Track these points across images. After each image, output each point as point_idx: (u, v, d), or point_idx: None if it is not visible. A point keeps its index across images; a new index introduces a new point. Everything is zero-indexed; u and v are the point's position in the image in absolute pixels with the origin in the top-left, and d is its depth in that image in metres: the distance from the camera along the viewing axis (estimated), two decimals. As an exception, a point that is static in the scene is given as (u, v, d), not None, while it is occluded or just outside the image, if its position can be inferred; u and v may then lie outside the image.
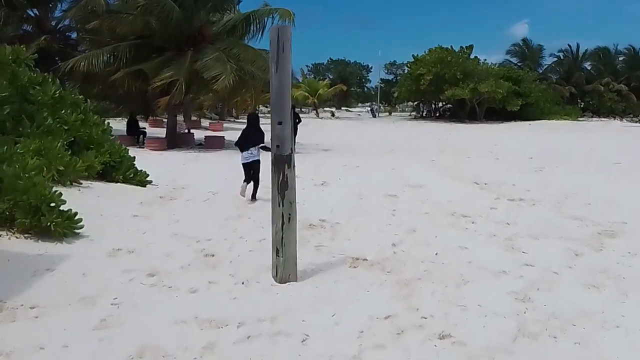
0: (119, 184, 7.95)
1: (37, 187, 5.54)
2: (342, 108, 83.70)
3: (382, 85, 76.62)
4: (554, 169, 14.98)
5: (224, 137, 21.26)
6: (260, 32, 19.39)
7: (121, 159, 8.12)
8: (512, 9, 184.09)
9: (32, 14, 20.98)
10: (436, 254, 5.87)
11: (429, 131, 34.48)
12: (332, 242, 6.28)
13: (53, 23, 21.49)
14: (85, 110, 8.12)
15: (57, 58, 20.75)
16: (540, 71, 58.76)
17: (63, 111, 7.63)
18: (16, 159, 6.06)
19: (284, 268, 4.96)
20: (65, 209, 5.72)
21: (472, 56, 50.43)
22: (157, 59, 18.12)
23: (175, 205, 7.53)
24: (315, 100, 59.96)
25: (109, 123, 8.67)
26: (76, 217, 5.73)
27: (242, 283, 4.89)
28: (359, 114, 73.38)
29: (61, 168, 6.83)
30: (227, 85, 16.76)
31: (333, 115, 62.45)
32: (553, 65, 61.04)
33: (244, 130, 9.15)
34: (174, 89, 17.08)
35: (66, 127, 7.46)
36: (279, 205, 4.97)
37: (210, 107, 44.13)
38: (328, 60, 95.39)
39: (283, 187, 5.00)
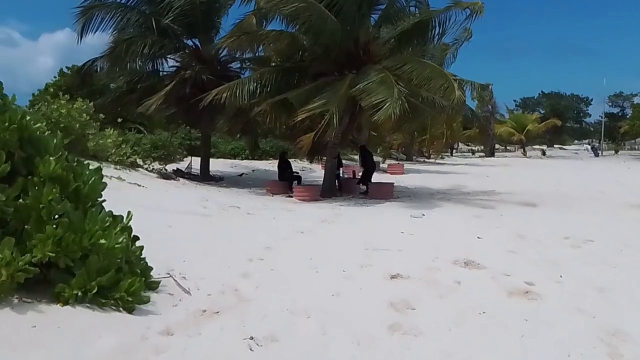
0: (66, 307, 3.79)
1: None
2: (555, 145, 73.85)
3: (606, 119, 65.57)
4: None
5: (393, 183, 16.50)
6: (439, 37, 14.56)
7: (85, 250, 3.95)
8: None
9: (190, 44, 18.89)
10: None
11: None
12: None
13: (212, 53, 19.09)
14: (46, 166, 4.09)
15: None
16: None
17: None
18: None
19: None
20: None
21: None
22: (307, 86, 14.25)
23: None
24: (523, 137, 52.37)
25: (100, 179, 4.59)
26: None
27: None
28: (576, 152, 63.15)
29: None
30: (392, 115, 12.10)
31: (544, 153, 53.97)
32: None
33: None
34: (324, 122, 12.91)
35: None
36: None
37: (402, 145, 40.01)
38: (539, 94, 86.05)
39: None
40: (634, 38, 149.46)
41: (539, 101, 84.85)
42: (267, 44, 14.84)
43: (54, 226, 3.94)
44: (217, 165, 22.28)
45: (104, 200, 4.65)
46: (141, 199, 9.78)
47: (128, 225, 4.67)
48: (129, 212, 4.78)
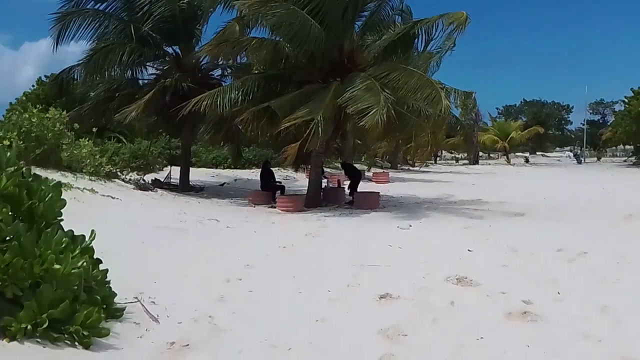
0: (13, 344, 3.31)
1: None
2: (537, 153, 74.30)
3: (587, 127, 66.16)
4: None
5: (378, 193, 16.13)
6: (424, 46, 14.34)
7: (36, 278, 3.46)
8: None
9: (171, 52, 18.39)
10: None
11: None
12: None
13: (193, 61, 18.59)
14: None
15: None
16: None
17: None
18: None
19: None
20: None
21: None
22: (291, 94, 13.86)
23: None
24: (506, 145, 52.48)
25: (59, 195, 4.11)
26: None
27: None
28: (559, 160, 63.54)
29: None
30: (379, 122, 11.77)
31: (527, 161, 54.14)
32: None
33: None
34: (309, 131, 12.53)
35: None
36: None
37: (386, 154, 39.74)
38: (521, 102, 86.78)
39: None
40: (614, 47, 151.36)
41: (521, 109, 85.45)
42: (249, 51, 14.42)
43: (2, 250, 3.47)
44: (198, 175, 21.75)
45: (62, 220, 4.17)
46: (114, 212, 9.28)
47: (90, 246, 4.20)
48: (92, 232, 4.32)
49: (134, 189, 14.29)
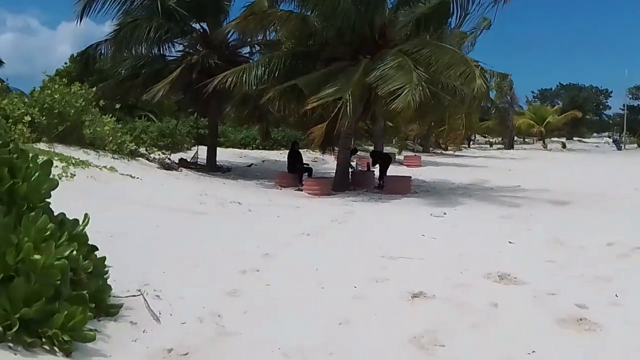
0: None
1: None
2: (574, 138, 72.02)
3: (627, 112, 63.69)
4: None
5: (410, 177, 15.41)
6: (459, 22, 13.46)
7: (10, 271, 2.96)
8: None
9: (198, 28, 17.87)
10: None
11: None
12: None
13: (221, 37, 18.00)
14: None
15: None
16: None
17: None
18: None
19: None
20: None
21: None
22: (319, 72, 13.21)
23: None
24: (543, 130, 50.84)
25: (47, 174, 3.60)
26: None
27: None
28: (597, 146, 61.48)
29: None
30: (411, 103, 11.05)
31: (564, 146, 52.40)
32: None
33: None
34: (336, 111, 11.88)
35: None
36: None
37: (418, 137, 38.74)
38: (557, 85, 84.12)
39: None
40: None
41: (557, 93, 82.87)
42: (276, 25, 13.79)
43: (-30, 238, 2.97)
44: (226, 155, 21.34)
45: (49, 203, 3.65)
46: (131, 192, 8.83)
47: (82, 232, 3.69)
48: (85, 215, 3.80)
49: (157, 168, 13.91)
